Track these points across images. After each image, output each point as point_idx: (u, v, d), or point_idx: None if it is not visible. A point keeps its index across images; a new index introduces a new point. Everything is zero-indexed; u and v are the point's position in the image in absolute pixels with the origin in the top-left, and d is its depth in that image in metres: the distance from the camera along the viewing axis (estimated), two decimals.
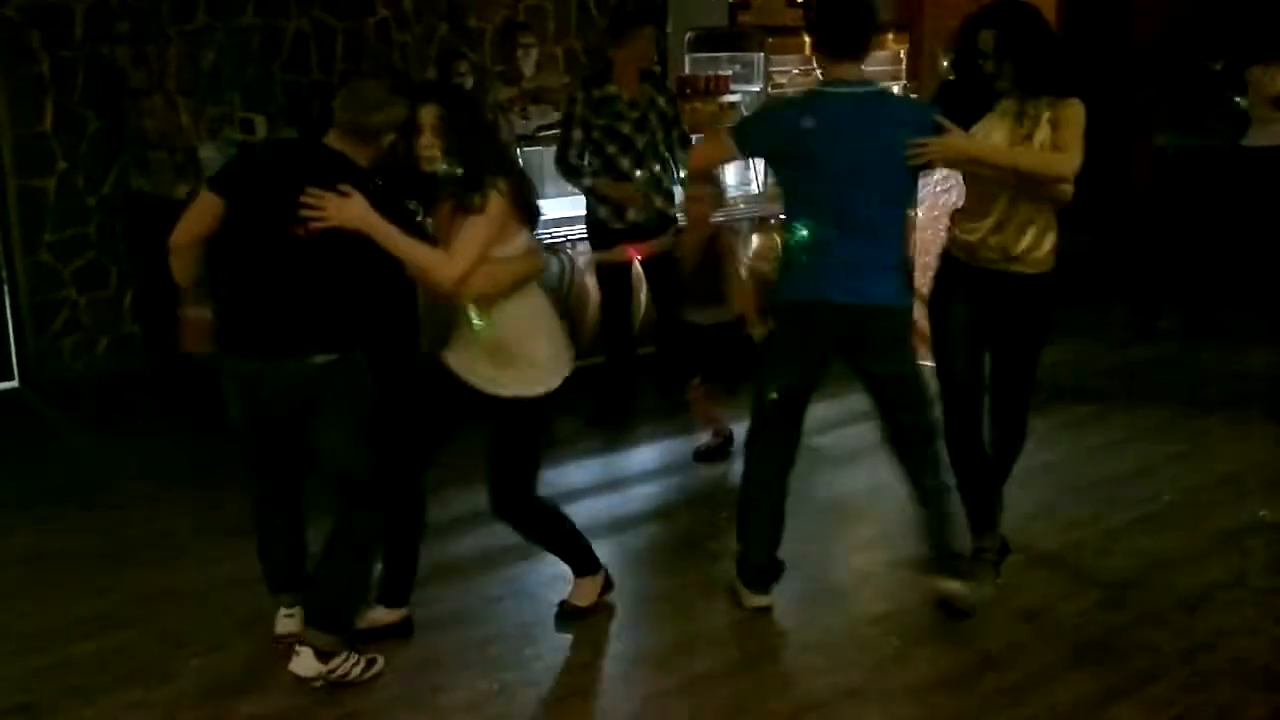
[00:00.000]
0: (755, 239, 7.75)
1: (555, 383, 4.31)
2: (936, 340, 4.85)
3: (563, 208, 7.01)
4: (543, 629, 4.64)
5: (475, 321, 4.21)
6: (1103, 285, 9.39)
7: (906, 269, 4.81)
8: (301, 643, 4.15)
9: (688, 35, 8.60)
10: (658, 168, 6.58)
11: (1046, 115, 4.43)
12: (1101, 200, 9.59)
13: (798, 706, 4.19)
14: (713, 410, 6.36)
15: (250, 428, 4.27)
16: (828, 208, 4.40)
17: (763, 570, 4.78)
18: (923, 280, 6.03)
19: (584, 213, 6.72)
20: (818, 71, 4.62)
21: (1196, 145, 8.18)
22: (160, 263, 4.32)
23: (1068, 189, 4.51)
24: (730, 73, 8.21)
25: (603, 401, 6.80)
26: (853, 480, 5.99)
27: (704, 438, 6.42)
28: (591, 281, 7.04)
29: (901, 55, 8.63)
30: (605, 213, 6.52)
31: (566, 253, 7.06)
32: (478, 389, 4.27)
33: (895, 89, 8.49)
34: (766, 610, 4.75)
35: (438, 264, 4.07)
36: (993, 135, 4.50)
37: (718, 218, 6.10)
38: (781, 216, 4.93)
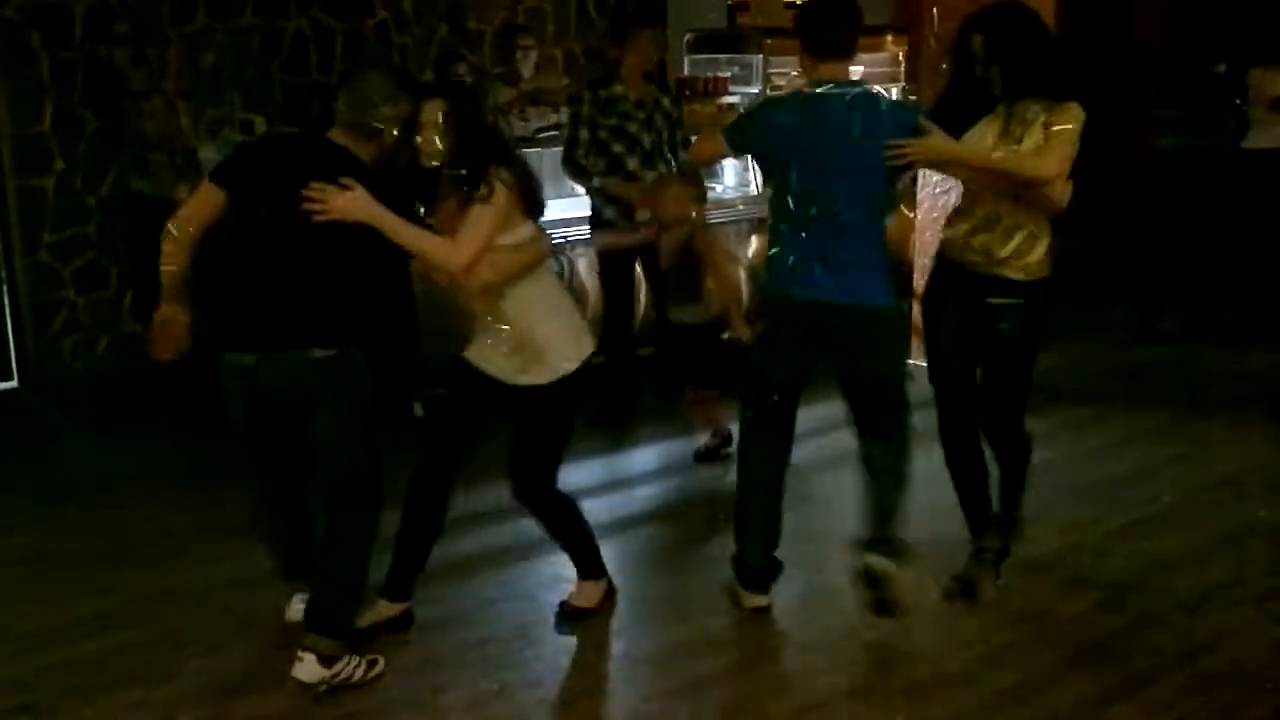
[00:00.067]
0: (754, 240, 7.75)
1: (572, 366, 4.34)
2: (929, 341, 4.86)
3: (562, 209, 7.02)
4: (542, 630, 4.64)
5: (500, 326, 4.27)
6: (1103, 286, 9.40)
7: (897, 270, 4.81)
8: (303, 648, 4.14)
9: (686, 37, 8.62)
10: (664, 168, 6.59)
11: (1042, 120, 4.42)
12: (1101, 201, 9.62)
13: (798, 707, 4.19)
14: (711, 411, 6.36)
15: (250, 427, 4.26)
16: (810, 206, 4.44)
17: (760, 571, 4.78)
18: (921, 281, 6.03)
19: (587, 213, 6.73)
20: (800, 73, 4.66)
21: (1197, 147, 8.19)
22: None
23: (1058, 195, 4.47)
24: (729, 74, 8.22)
25: (604, 401, 6.80)
26: (852, 480, 5.96)
27: (703, 439, 6.42)
28: (592, 282, 7.04)
29: (900, 57, 8.64)
30: (612, 213, 6.52)
31: (566, 253, 7.06)
32: (499, 380, 4.30)
33: (894, 91, 8.52)
34: (765, 610, 4.75)
35: (444, 252, 4.09)
36: (986, 139, 4.50)
37: (697, 216, 6.08)
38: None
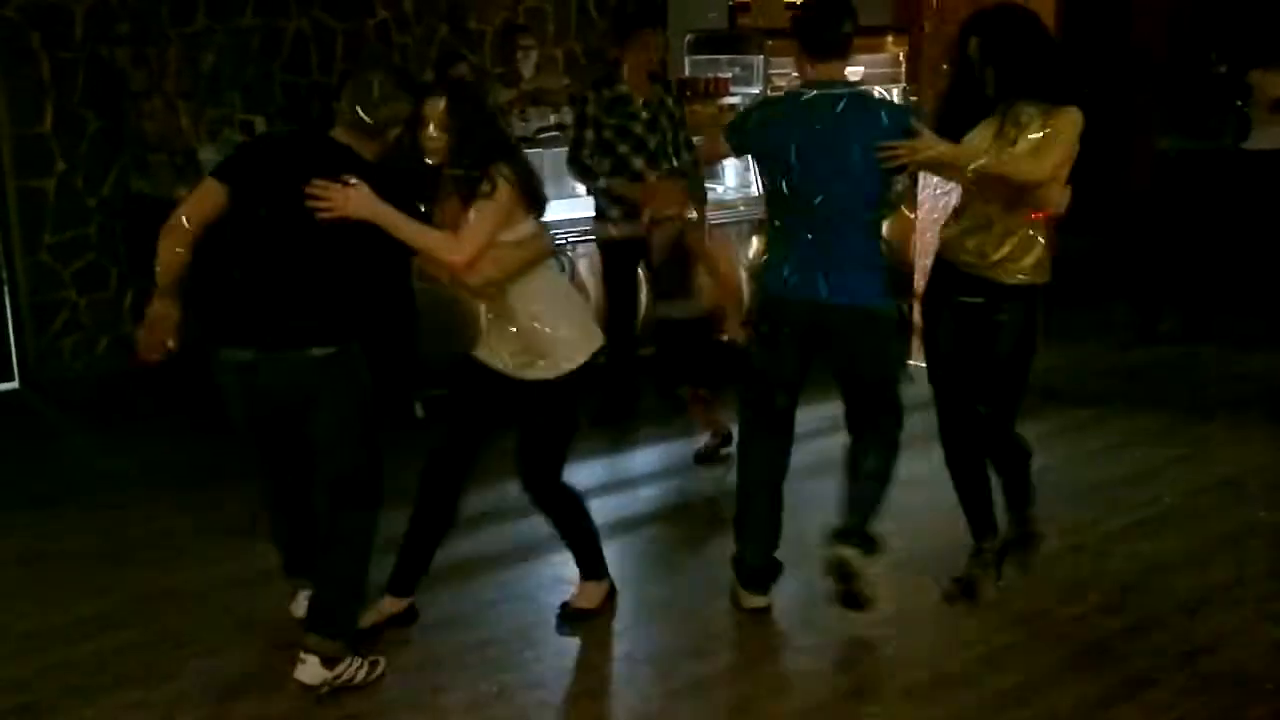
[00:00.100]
0: (755, 241, 7.75)
1: (581, 359, 4.36)
2: (928, 342, 4.85)
3: (562, 209, 7.02)
4: (543, 631, 4.64)
5: (507, 324, 4.29)
6: (1103, 287, 9.41)
7: (897, 270, 4.82)
8: (305, 650, 4.14)
9: (687, 37, 8.62)
10: (669, 168, 6.59)
11: (1038, 123, 4.41)
12: (1102, 202, 9.62)
13: (798, 708, 4.19)
14: (711, 411, 6.36)
15: (250, 426, 4.26)
16: (802, 206, 4.46)
17: (759, 571, 4.78)
18: (921, 282, 6.04)
19: (590, 214, 6.73)
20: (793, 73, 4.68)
21: (1198, 148, 8.19)
22: None
23: (1054, 199, 4.46)
24: (730, 75, 8.23)
25: (605, 401, 6.80)
26: None
27: (703, 439, 6.42)
28: (592, 282, 7.04)
29: (901, 58, 8.64)
30: (617, 213, 6.52)
31: (566, 254, 7.06)
32: (508, 375, 4.33)
33: (895, 91, 8.53)
34: (765, 611, 4.75)
35: (447, 247, 4.11)
36: (982, 142, 4.49)
37: (688, 212, 6.08)
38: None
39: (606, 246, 6.71)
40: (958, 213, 4.69)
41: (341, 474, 4.19)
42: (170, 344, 4.14)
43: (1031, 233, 4.51)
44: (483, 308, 4.44)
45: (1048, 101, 4.40)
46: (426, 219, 4.19)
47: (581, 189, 7.18)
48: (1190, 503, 5.80)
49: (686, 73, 8.45)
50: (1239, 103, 8.21)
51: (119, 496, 5.93)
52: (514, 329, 4.32)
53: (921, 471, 5.16)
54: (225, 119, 7.79)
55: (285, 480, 4.41)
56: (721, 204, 7.68)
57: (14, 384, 7.67)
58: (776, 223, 4.61)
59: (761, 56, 8.22)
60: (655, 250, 6.01)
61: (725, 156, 6.02)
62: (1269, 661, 4.42)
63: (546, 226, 4.42)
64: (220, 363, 4.15)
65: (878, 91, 8.35)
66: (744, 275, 7.25)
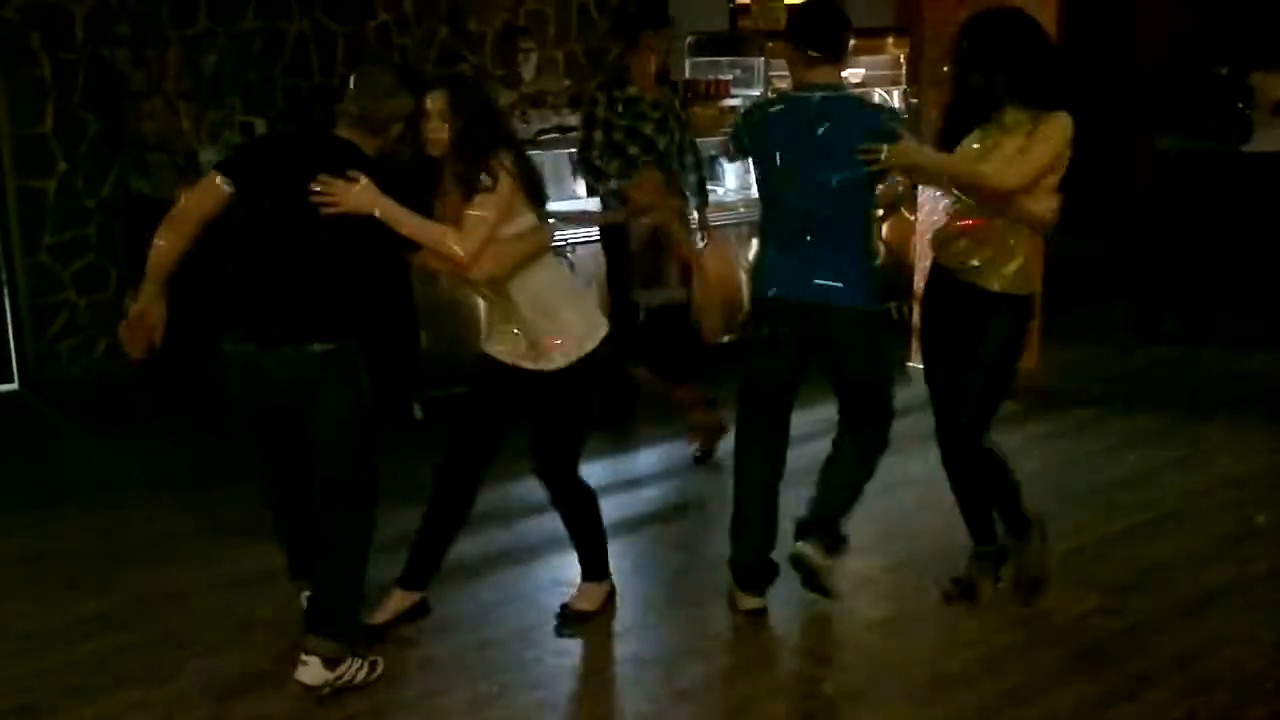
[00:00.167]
0: (755, 243, 7.74)
1: (589, 346, 4.38)
2: (924, 343, 4.85)
3: (561, 211, 7.02)
4: (542, 633, 4.64)
5: (513, 318, 4.32)
6: (1103, 287, 9.41)
7: (897, 272, 4.83)
8: (307, 651, 4.14)
9: (688, 39, 8.61)
10: (678, 169, 6.61)
11: (1025, 129, 4.38)
12: (1102, 202, 9.63)
13: (797, 710, 4.19)
14: (698, 409, 6.34)
15: (251, 425, 4.27)
16: (789, 207, 4.53)
17: (756, 573, 4.79)
18: (921, 283, 6.03)
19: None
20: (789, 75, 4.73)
21: (1199, 149, 8.19)
22: None
23: (1040, 209, 4.42)
24: (731, 77, 8.22)
25: (604, 402, 6.78)
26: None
27: (699, 439, 6.41)
28: (593, 281, 7.03)
29: (901, 59, 8.64)
30: (626, 214, 6.52)
31: (566, 255, 7.06)
32: (519, 368, 4.35)
33: (895, 93, 8.53)
34: (762, 612, 4.75)
35: (451, 242, 4.11)
36: (971, 147, 4.48)
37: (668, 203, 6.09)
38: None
39: (606, 233, 6.71)
40: (949, 215, 4.70)
41: (340, 473, 4.19)
42: (155, 341, 4.08)
43: (1012, 241, 4.46)
44: (484, 304, 4.46)
45: (1036, 106, 4.38)
46: (429, 215, 4.20)
47: (583, 189, 7.19)
48: (1190, 504, 5.80)
49: (687, 75, 8.45)
50: (1240, 105, 8.21)
51: (119, 497, 5.93)
52: (519, 322, 4.33)
53: (919, 472, 5.17)
54: (226, 121, 7.78)
55: (286, 480, 4.41)
56: (722, 205, 7.68)
57: (13, 385, 7.67)
58: (770, 224, 4.67)
59: (762, 58, 8.21)
60: (634, 239, 6.06)
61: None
62: (1268, 662, 4.42)
63: (546, 219, 4.44)
64: (222, 358, 4.15)
65: (878, 95, 8.42)
66: (743, 277, 7.25)
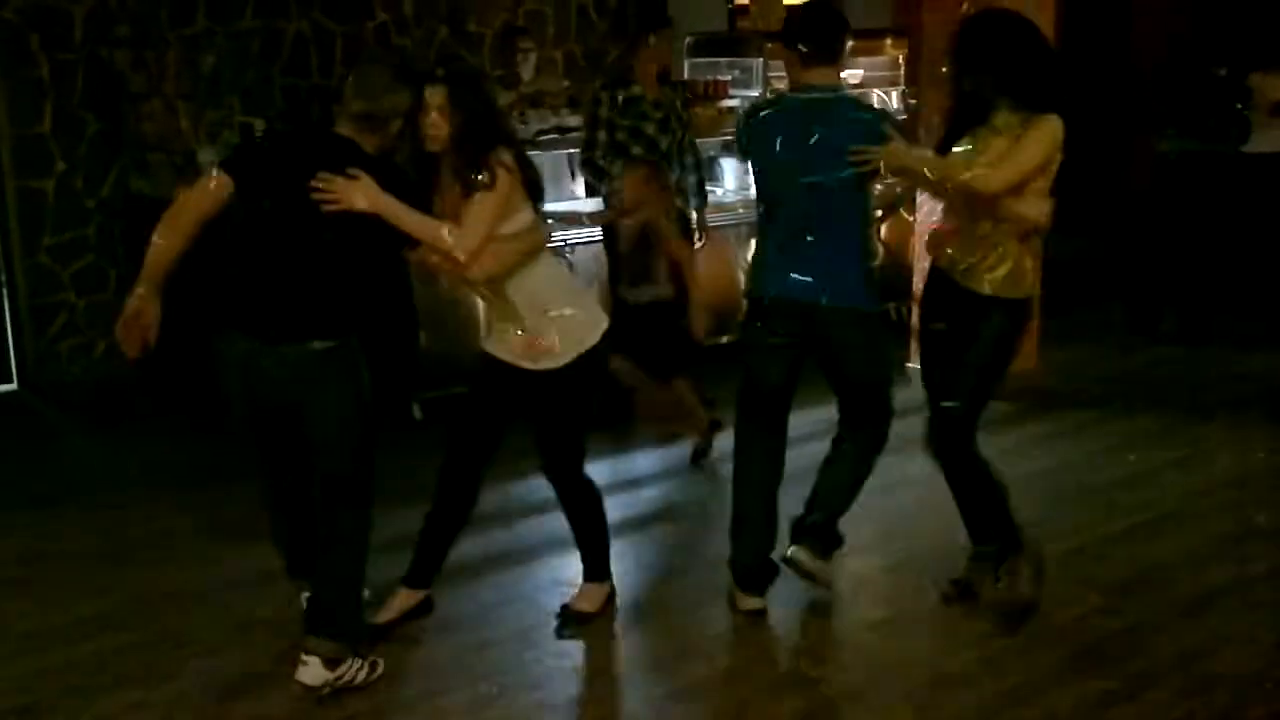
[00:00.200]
0: (753, 243, 7.73)
1: (590, 342, 4.38)
2: (924, 345, 4.85)
3: (561, 211, 7.02)
4: (542, 633, 4.64)
5: (516, 331, 4.34)
6: (1103, 288, 9.41)
7: (896, 273, 4.84)
8: (307, 651, 4.13)
9: (687, 40, 8.62)
10: (680, 168, 6.61)
11: (1014, 131, 4.36)
12: (1101, 203, 9.64)
13: (797, 711, 4.19)
14: (694, 405, 6.34)
15: (251, 425, 4.26)
16: (787, 208, 4.55)
17: (755, 572, 4.79)
18: (920, 284, 6.03)
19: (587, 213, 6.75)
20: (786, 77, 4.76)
21: (1199, 150, 8.19)
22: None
23: (1032, 213, 4.39)
24: (729, 78, 8.23)
25: (603, 402, 6.78)
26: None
27: (696, 439, 6.41)
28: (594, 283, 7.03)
29: (900, 61, 8.64)
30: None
31: (566, 256, 7.06)
32: (519, 367, 4.36)
33: (894, 94, 8.53)
34: (762, 613, 4.75)
35: (452, 239, 4.11)
36: (965, 149, 4.47)
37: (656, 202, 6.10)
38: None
39: (608, 232, 6.71)
40: (944, 215, 4.71)
41: (340, 471, 4.19)
42: (150, 340, 4.02)
43: (1001, 245, 4.45)
44: (482, 304, 4.47)
45: (1027, 109, 4.36)
46: (429, 212, 4.20)
47: (581, 189, 7.19)
48: (1190, 505, 5.80)
49: (686, 75, 8.45)
50: (1239, 106, 8.21)
51: (119, 496, 5.93)
52: (518, 321, 4.33)
53: (919, 472, 5.17)
54: (224, 121, 7.78)
55: (285, 480, 4.40)
56: (720, 206, 7.68)
57: (13, 386, 7.67)
58: (768, 225, 4.69)
59: (761, 59, 8.21)
60: (622, 238, 6.07)
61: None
62: (1268, 662, 4.42)
63: (542, 217, 4.44)
64: (220, 357, 4.15)
65: (877, 96, 8.43)
66: (742, 278, 7.25)
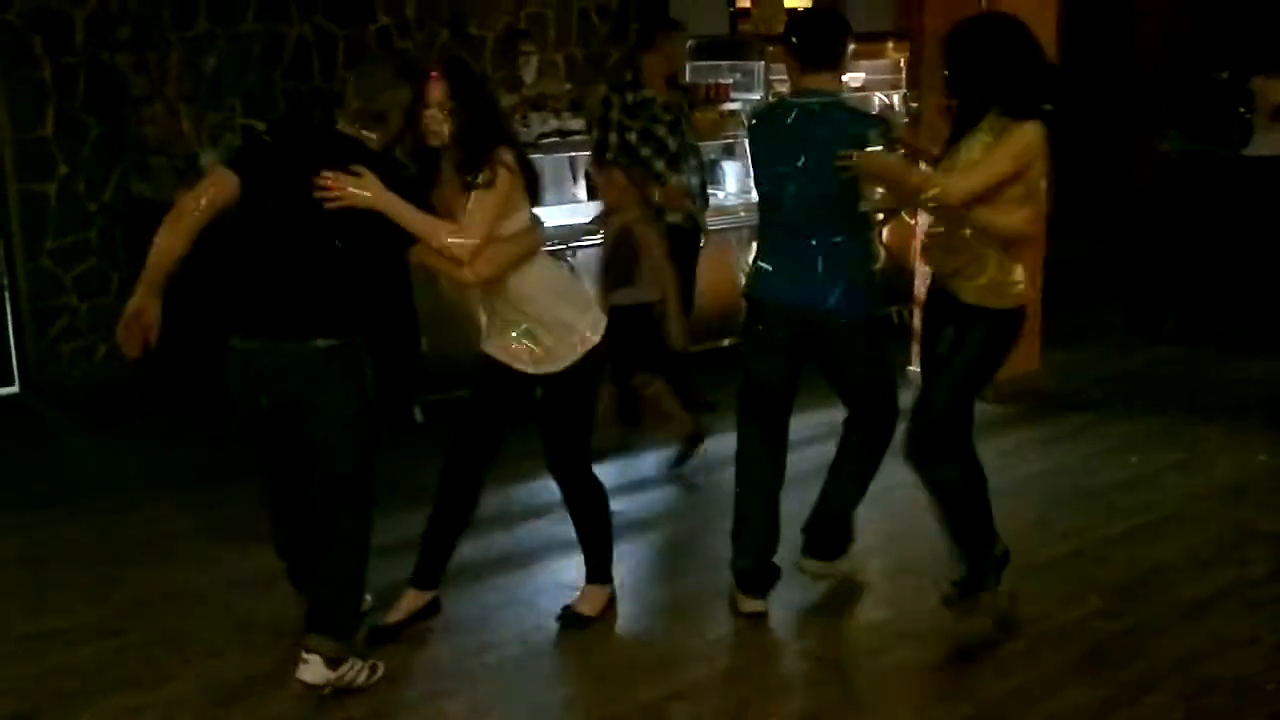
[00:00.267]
0: (754, 246, 7.74)
1: (592, 341, 4.39)
2: (924, 348, 4.85)
3: (562, 215, 7.03)
4: (542, 635, 4.64)
5: (516, 337, 4.35)
6: (1103, 290, 9.41)
7: (898, 276, 4.84)
8: (308, 650, 4.13)
9: (689, 43, 8.61)
10: (688, 170, 6.62)
11: (991, 138, 4.32)
12: (1102, 204, 9.63)
13: (797, 713, 4.19)
14: (674, 409, 6.32)
15: (253, 423, 4.26)
16: (786, 211, 4.56)
17: (757, 576, 4.79)
18: (922, 288, 6.04)
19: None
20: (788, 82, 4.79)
21: (1200, 152, 8.19)
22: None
23: (1002, 222, 4.31)
24: (731, 81, 8.23)
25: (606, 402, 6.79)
26: None
27: (679, 445, 6.39)
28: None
29: (902, 64, 8.65)
30: None
31: (567, 259, 7.06)
32: (520, 370, 4.37)
33: (895, 97, 8.53)
34: (762, 615, 4.75)
35: (453, 238, 4.11)
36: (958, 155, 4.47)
37: (636, 203, 6.10)
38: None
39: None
40: (936, 219, 4.71)
41: (341, 470, 4.19)
42: (151, 340, 4.02)
43: (982, 253, 4.39)
44: (480, 306, 4.46)
45: (1011, 114, 4.30)
46: (430, 210, 4.20)
47: (583, 193, 7.19)
48: (1190, 507, 5.80)
49: (687, 78, 8.45)
50: (1241, 109, 8.21)
51: (119, 497, 5.94)
52: (515, 325, 4.33)
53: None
54: (226, 124, 7.79)
55: (285, 481, 4.40)
56: (722, 210, 7.69)
57: (14, 388, 7.67)
58: (768, 228, 4.71)
59: (762, 63, 8.22)
60: (605, 241, 6.07)
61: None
62: (1269, 664, 4.41)
63: (539, 220, 4.44)
64: (227, 354, 4.15)
65: (878, 99, 8.42)
66: (742, 281, 7.25)
